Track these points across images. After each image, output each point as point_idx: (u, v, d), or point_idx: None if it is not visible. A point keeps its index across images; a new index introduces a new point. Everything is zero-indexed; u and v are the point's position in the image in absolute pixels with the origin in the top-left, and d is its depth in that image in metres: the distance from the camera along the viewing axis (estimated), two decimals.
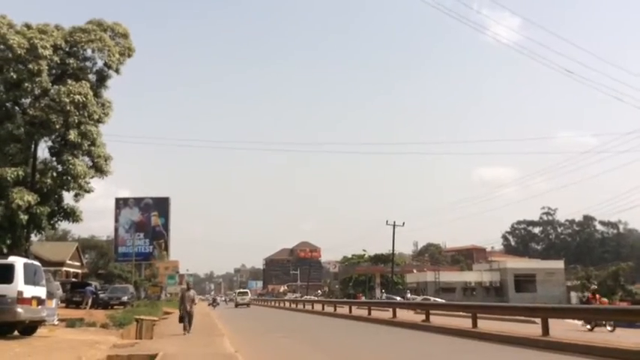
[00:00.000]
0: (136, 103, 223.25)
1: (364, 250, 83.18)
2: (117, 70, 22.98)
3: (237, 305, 55.09)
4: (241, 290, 70.09)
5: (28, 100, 21.72)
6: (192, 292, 17.49)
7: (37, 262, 14.60)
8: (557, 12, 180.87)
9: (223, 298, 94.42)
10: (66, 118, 20.76)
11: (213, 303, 55.29)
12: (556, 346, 11.46)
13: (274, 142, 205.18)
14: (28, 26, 21.94)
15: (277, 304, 56.83)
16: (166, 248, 60.96)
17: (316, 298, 57.91)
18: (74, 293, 31.41)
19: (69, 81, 21.22)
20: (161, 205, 61.19)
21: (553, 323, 13.26)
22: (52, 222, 22.65)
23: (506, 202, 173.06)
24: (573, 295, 59.86)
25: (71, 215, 22.72)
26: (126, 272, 58.39)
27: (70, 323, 18.02)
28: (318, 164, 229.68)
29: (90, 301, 30.33)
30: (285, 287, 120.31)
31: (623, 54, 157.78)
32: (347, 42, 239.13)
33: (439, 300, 42.09)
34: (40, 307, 13.30)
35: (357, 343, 14.99)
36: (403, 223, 54.70)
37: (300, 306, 43.18)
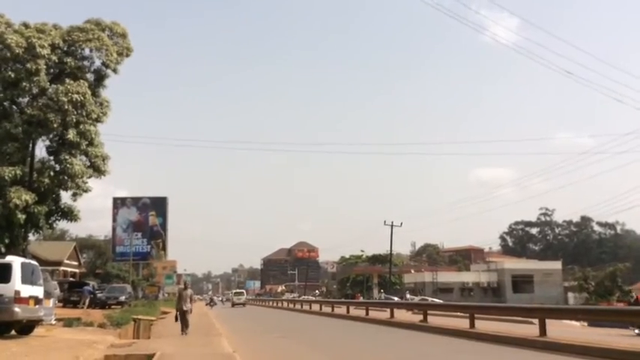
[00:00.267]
0: (135, 103, 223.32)
1: (362, 251, 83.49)
2: (115, 70, 23.01)
3: (233, 305, 56.84)
4: (237, 290, 74.81)
5: (25, 99, 21.71)
6: (189, 292, 17.47)
7: (34, 262, 14.58)
8: (555, 12, 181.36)
9: (220, 298, 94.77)
10: (64, 117, 20.75)
11: (211, 302, 56.21)
12: (553, 347, 11.50)
13: (274, 142, 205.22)
14: (26, 25, 21.92)
15: (275, 304, 56.85)
16: (164, 248, 60.95)
17: (314, 299, 58.01)
18: (72, 293, 31.44)
19: (67, 80, 21.22)
20: (159, 204, 61.15)
21: (550, 324, 13.29)
22: (49, 221, 22.62)
23: (504, 202, 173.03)
24: (571, 295, 59.94)
25: (69, 215, 22.73)
26: (123, 272, 58.30)
27: (68, 323, 17.98)
28: (318, 164, 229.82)
29: (87, 301, 30.38)
30: (283, 287, 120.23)
31: (622, 55, 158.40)
32: (347, 42, 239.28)
33: (437, 300, 42.15)
34: (37, 306, 13.27)
35: (355, 343, 15.00)
36: (401, 224, 55.05)
37: (298, 306, 43.16)
